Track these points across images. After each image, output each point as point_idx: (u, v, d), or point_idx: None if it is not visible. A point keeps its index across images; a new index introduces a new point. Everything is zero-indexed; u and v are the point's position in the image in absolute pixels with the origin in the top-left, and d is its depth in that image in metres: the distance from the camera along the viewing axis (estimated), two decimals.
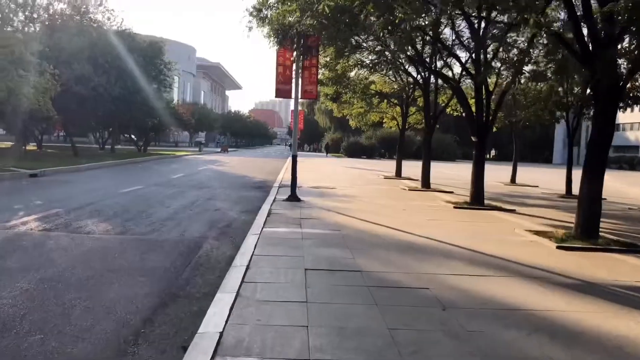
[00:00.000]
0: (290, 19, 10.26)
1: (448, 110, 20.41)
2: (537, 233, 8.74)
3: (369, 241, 7.73)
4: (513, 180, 23.70)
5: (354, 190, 16.70)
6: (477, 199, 13.07)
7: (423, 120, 24.98)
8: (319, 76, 15.74)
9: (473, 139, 13.19)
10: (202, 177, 21.32)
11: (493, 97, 13.15)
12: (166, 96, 39.45)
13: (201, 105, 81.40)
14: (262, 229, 8.37)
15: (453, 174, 29.85)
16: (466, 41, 13.26)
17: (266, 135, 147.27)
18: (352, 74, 19.07)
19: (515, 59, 12.69)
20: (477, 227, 9.65)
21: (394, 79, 22.46)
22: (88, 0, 32.77)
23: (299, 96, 12.50)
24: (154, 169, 25.58)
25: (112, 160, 27.91)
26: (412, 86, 21.65)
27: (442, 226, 9.57)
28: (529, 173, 32.45)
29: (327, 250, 6.93)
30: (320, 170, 28.23)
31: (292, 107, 58.94)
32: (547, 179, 30.19)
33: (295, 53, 12.14)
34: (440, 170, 30.15)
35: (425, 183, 18.06)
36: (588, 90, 17.28)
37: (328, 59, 15.91)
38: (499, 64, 13.33)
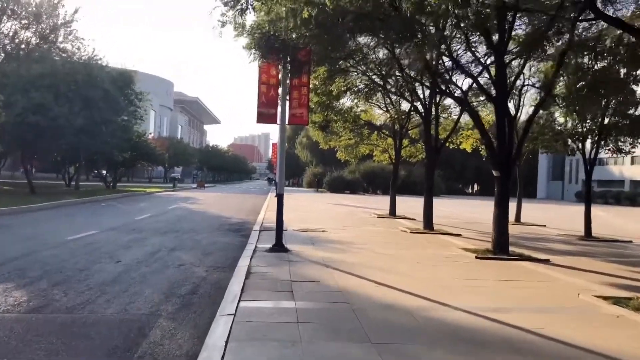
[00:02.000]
0: (280, 24, 8.01)
1: (448, 144, 18.39)
2: (616, 302, 6.41)
3: (396, 324, 5.27)
4: (518, 219, 21.57)
5: (348, 233, 14.27)
6: (501, 246, 10.77)
7: (417, 154, 23.11)
8: None
9: (494, 173, 10.99)
10: (171, 217, 18.66)
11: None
12: (137, 128, 36.83)
13: (177, 139, 78.79)
14: (239, 302, 5.85)
15: (447, 211, 27.70)
16: (483, 58, 11.23)
17: (245, 170, 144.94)
18: (345, 100, 16.97)
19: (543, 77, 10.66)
20: (527, 291, 7.27)
21: (385, 109, 20.48)
22: (57, 29, 30.63)
23: (286, 121, 10.16)
24: (118, 208, 22.80)
25: (73, 198, 25.04)
26: (406, 116, 19.66)
27: (480, 290, 7.18)
28: (523, 210, 30.47)
29: (339, 347, 4.45)
30: (305, 208, 25.76)
31: (273, 140, 56.48)
32: (548, 216, 28.33)
33: (281, 70, 9.89)
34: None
35: (428, 224, 15.75)
36: (607, 119, 15.45)
37: (317, 82, 13.71)
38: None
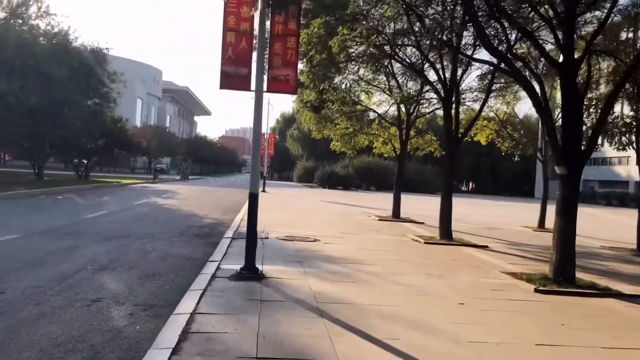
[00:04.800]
0: None
1: (470, 136, 15.36)
2: None
3: None
4: (542, 224, 18.50)
5: (348, 244, 11.04)
6: (567, 273, 7.63)
7: (425, 146, 20.01)
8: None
9: (558, 170, 7.81)
10: (130, 216, 15.33)
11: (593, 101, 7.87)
12: (110, 113, 33.28)
13: (163, 128, 75.04)
14: None
15: (456, 212, 24.48)
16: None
17: (235, 163, 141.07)
18: (348, 73, 13.66)
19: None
20: None
21: (389, 93, 17.29)
22: (27, 4, 27.03)
23: (264, 86, 6.87)
24: (73, 202, 19.40)
25: (26, 189, 21.55)
26: (416, 99, 16.46)
27: None
28: (528, 211, 27.46)
29: None
30: (293, 206, 22.50)
31: (263, 131, 53.24)
32: None
33: (258, 6, 6.60)
34: (433, 207, 24.98)
35: (446, 232, 12.60)
36: None
37: (310, 45, 10.40)
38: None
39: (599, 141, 14.57)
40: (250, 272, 6.79)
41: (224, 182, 58.38)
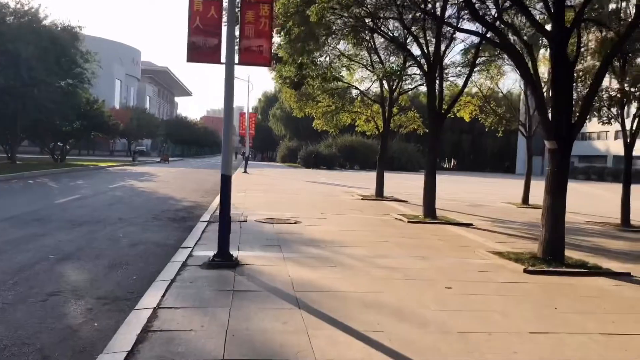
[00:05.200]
0: None
1: (452, 112, 14.94)
2: None
3: None
4: (526, 200, 18.33)
5: (330, 225, 10.64)
6: (556, 252, 7.35)
7: (408, 124, 19.62)
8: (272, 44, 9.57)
9: (548, 144, 7.46)
10: (103, 200, 14.72)
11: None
12: (85, 94, 32.14)
13: (141, 109, 73.39)
14: None
15: (438, 190, 24.25)
16: None
17: (217, 144, 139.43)
18: (328, 47, 13.10)
19: None
20: None
21: (371, 69, 16.77)
22: None
23: (235, 59, 6.32)
24: (45, 187, 18.66)
25: None
26: (399, 74, 15.96)
27: None
28: (510, 187, 27.41)
29: None
30: (276, 187, 22.04)
31: (244, 110, 51.74)
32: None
33: None
34: (416, 185, 24.66)
35: (430, 210, 12.27)
36: None
37: (283, 15, 9.80)
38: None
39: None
40: (223, 260, 6.34)
41: (205, 163, 57.54)
